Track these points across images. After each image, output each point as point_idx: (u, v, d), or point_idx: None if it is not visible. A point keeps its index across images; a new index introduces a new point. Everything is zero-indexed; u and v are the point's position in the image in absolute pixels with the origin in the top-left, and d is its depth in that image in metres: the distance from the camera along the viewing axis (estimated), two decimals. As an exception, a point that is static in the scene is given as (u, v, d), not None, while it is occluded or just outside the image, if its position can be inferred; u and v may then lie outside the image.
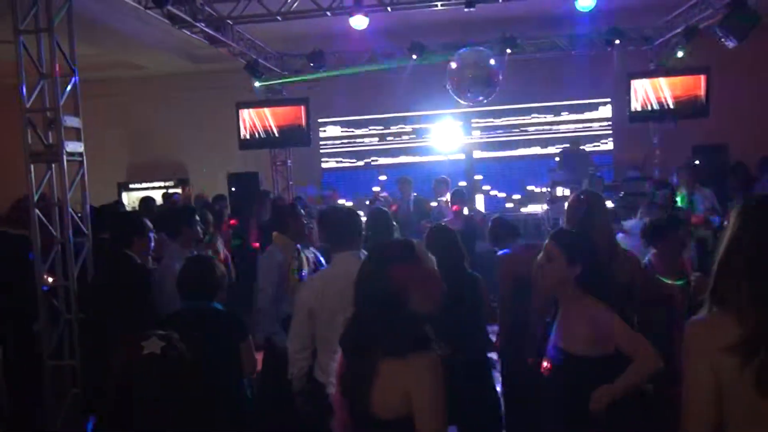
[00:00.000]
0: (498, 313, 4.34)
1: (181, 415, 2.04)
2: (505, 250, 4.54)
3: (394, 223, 4.35)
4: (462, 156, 11.87)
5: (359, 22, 7.41)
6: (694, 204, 7.51)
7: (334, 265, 3.54)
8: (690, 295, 3.90)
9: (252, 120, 10.44)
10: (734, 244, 1.74)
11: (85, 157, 5.05)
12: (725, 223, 1.85)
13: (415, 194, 9.16)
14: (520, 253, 4.26)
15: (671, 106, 9.59)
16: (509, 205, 11.67)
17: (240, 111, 10.43)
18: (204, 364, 2.95)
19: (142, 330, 2.10)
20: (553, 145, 11.49)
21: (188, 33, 8.12)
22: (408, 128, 12.06)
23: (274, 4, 7.86)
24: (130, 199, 11.60)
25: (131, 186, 12.42)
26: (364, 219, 4.25)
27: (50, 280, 4.86)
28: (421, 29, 9.53)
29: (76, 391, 4.80)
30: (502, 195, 11.79)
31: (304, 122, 10.32)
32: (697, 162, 9.31)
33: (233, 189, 10.52)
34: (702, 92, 9.47)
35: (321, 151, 12.18)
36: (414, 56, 9.67)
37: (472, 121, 11.86)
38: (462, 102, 9.10)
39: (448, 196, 8.31)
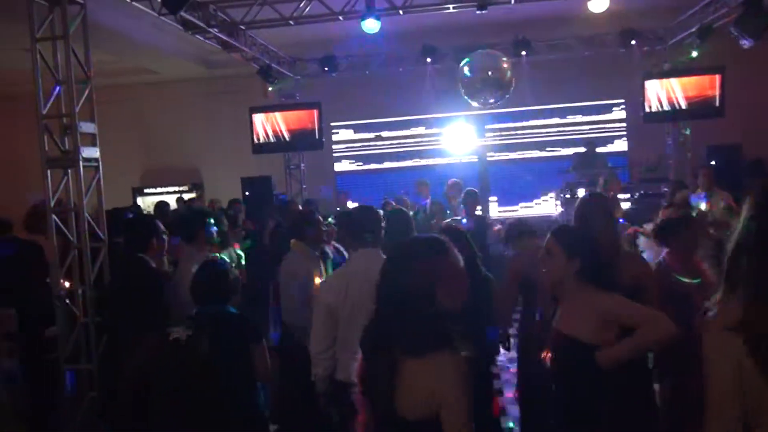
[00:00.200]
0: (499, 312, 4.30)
1: (194, 415, 2.06)
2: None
3: None
4: (475, 158, 11.85)
5: (371, 26, 7.43)
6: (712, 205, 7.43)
7: (354, 263, 3.50)
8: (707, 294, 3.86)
9: (265, 124, 10.52)
10: (744, 232, 1.74)
11: (101, 163, 5.10)
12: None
13: (430, 198, 9.14)
14: (531, 255, 4.25)
15: (684, 107, 9.52)
16: (522, 207, 11.64)
17: (253, 115, 10.51)
18: (217, 368, 2.97)
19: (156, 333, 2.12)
20: (567, 147, 11.45)
21: (201, 38, 8.19)
22: (421, 131, 12.06)
23: (286, 9, 7.91)
24: (145, 204, 11.68)
25: (146, 191, 12.53)
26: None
27: (67, 284, 4.90)
28: (434, 33, 9.55)
29: (92, 395, 4.83)
30: (514, 197, 11.76)
31: (316, 126, 10.37)
32: (712, 162, 9.23)
33: (247, 193, 10.58)
34: (716, 92, 9.40)
35: (333, 154, 12.21)
36: (428, 59, 9.68)
37: (486, 126, 11.84)
38: (475, 105, 9.09)
39: (460, 199, 8.29)
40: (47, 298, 4.86)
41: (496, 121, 11.82)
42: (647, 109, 9.74)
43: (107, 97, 7.02)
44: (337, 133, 12.20)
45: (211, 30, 7.82)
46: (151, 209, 9.35)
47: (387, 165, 12.17)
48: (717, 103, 9.58)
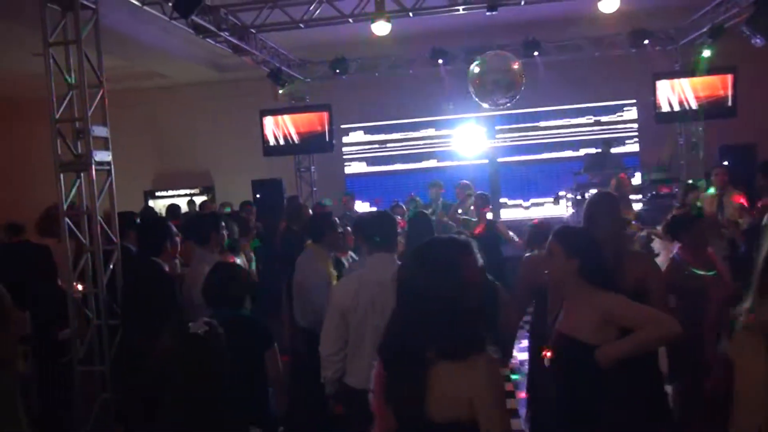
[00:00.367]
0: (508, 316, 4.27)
1: (204, 416, 2.06)
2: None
3: None
4: (485, 161, 11.82)
5: (381, 28, 7.42)
6: (724, 205, 7.38)
7: (367, 267, 3.53)
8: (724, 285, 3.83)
9: (275, 127, 10.55)
10: None
11: (113, 166, 5.14)
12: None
13: (442, 200, 9.12)
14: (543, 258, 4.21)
15: (696, 107, 9.47)
16: (533, 208, 11.60)
17: (264, 118, 10.55)
18: (230, 369, 2.97)
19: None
20: (577, 148, 11.40)
21: (212, 42, 8.23)
22: (431, 132, 12.05)
23: (296, 12, 7.93)
24: (156, 207, 11.75)
25: (157, 194, 12.60)
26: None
27: (80, 287, 4.94)
28: (444, 34, 9.54)
29: (106, 396, 4.86)
30: (525, 199, 11.73)
31: (326, 128, 10.39)
32: (725, 162, 9.16)
33: (258, 196, 10.62)
34: (728, 92, 9.33)
35: (344, 157, 12.23)
36: (440, 61, 9.68)
37: (497, 128, 11.81)
38: (485, 106, 9.07)
39: (471, 201, 8.27)
40: (57, 300, 4.90)
41: (507, 123, 11.79)
42: (659, 110, 9.67)
43: (119, 102, 7.05)
44: (348, 135, 12.21)
45: (221, 34, 7.85)
46: (163, 212, 9.41)
47: (397, 167, 12.16)
48: (729, 103, 9.51)
